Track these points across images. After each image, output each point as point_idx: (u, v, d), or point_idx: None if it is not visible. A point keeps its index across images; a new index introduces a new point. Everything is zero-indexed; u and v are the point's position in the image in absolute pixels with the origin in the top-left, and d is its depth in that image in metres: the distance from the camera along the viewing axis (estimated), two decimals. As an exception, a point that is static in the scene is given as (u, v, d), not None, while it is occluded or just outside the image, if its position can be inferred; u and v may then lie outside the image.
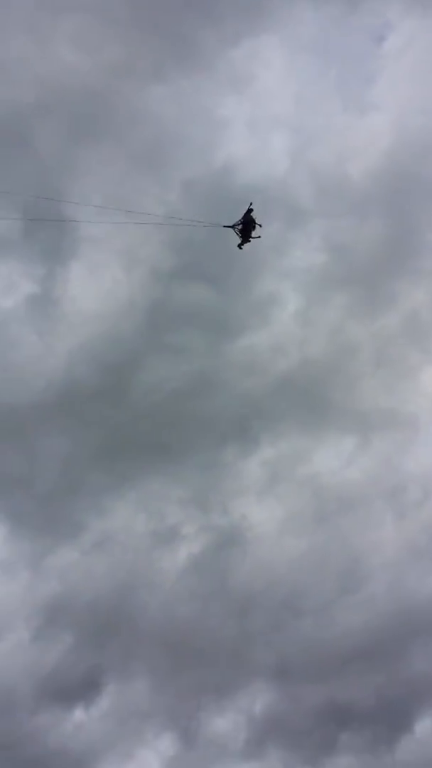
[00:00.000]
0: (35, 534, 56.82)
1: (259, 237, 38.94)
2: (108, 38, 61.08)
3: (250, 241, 39.19)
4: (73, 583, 54.87)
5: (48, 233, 58.85)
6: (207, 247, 56.70)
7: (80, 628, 53.33)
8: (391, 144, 65.00)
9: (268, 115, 67.52)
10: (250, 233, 39.03)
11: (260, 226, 38.90)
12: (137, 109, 62.56)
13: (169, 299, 61.65)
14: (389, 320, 64.47)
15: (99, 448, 60.17)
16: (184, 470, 60.73)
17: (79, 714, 50.76)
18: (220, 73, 64.47)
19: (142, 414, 60.72)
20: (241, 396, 62.57)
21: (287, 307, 64.30)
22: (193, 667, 52.78)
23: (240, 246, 39.38)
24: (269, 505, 59.64)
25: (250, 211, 38.85)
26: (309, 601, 55.08)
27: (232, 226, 38.90)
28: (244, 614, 54.54)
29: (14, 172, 57.42)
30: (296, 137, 67.04)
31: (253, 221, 38.89)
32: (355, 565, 56.57)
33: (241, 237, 39.11)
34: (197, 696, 52.14)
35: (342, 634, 53.57)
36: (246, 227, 38.97)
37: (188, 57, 63.34)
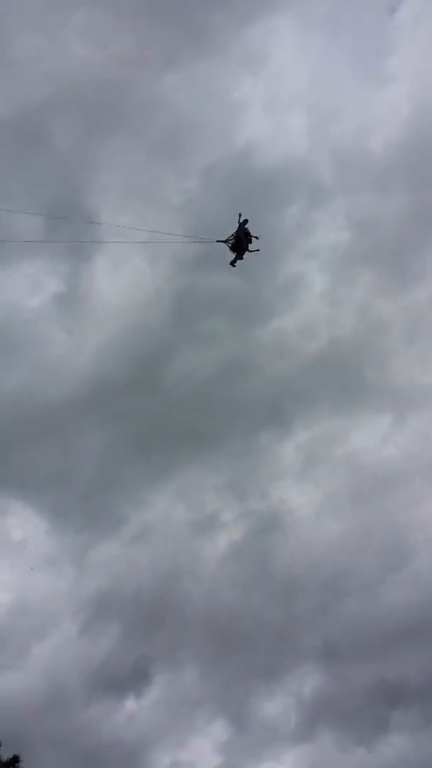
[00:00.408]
0: (76, 529, 57.53)
1: (258, 250, 35.58)
2: (117, 29, 60.77)
3: (243, 258, 35.65)
4: (116, 576, 55.57)
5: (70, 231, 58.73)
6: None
7: (127, 619, 54.02)
8: (410, 114, 64.05)
9: (284, 94, 66.86)
10: (245, 248, 35.58)
11: (257, 238, 35.39)
12: (152, 97, 62.29)
13: (194, 287, 61.48)
14: (419, 295, 63.80)
15: (134, 441, 60.63)
16: (220, 458, 60.93)
17: (130, 705, 51.56)
18: (234, 55, 63.94)
19: (174, 404, 60.92)
20: (272, 380, 62.45)
21: (314, 288, 63.90)
22: (240, 653, 53.11)
23: (233, 263, 35.79)
24: (307, 487, 59.62)
25: (244, 223, 35.54)
26: (353, 581, 55.07)
27: (225, 241, 35.57)
28: (288, 597, 54.70)
29: (33, 170, 57.58)
30: (314, 114, 66.37)
31: (248, 234, 35.51)
32: (399, 543, 56.33)
33: (234, 253, 35.65)
34: (246, 681, 52.42)
35: (389, 612, 53.48)
36: (238, 242, 35.46)
37: (200, 41, 62.80)
